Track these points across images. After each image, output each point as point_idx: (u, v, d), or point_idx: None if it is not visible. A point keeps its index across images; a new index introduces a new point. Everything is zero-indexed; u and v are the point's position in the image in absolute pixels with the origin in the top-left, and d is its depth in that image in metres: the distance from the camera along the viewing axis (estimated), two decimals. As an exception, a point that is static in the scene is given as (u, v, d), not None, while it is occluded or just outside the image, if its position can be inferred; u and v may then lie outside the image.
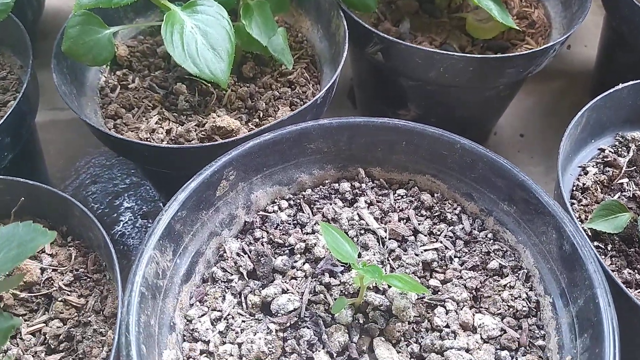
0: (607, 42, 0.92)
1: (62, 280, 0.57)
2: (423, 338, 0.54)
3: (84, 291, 0.57)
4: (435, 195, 0.64)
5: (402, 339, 0.54)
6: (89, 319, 0.55)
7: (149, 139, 0.69)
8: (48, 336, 0.54)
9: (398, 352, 0.53)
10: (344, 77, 1.00)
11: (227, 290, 0.57)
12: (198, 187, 0.56)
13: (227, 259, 0.59)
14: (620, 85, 0.66)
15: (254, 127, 0.71)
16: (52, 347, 0.54)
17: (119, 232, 0.85)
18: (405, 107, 0.83)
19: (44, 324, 0.55)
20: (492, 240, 0.60)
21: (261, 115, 0.73)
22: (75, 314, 0.56)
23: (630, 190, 0.66)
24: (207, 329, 0.54)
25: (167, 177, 0.75)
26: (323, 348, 0.53)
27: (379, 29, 0.82)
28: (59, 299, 0.56)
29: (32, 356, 0.54)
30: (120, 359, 0.46)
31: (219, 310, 0.56)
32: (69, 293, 0.57)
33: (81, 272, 0.58)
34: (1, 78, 0.76)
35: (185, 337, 0.54)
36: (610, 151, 0.69)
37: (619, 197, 0.65)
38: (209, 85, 0.75)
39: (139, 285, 0.50)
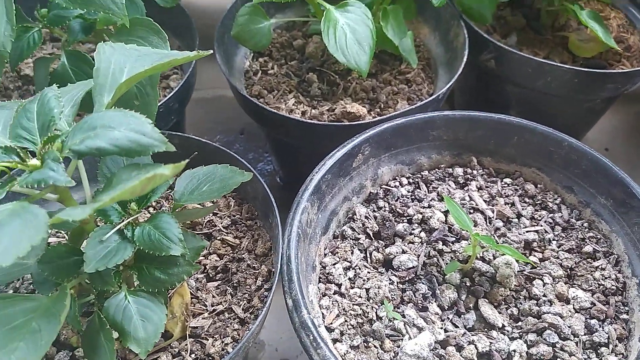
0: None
1: (222, 223, 0.69)
2: (521, 304, 0.63)
3: (238, 234, 0.69)
4: (539, 186, 0.73)
5: (503, 302, 0.63)
6: (243, 256, 0.66)
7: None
8: (208, 267, 0.66)
9: (499, 312, 0.63)
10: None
11: (355, 246, 0.68)
12: (342, 157, 0.67)
13: (357, 221, 0.70)
14: None
15: (375, 116, 0.82)
16: (211, 276, 0.66)
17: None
18: (506, 112, 0.92)
19: (204, 257, 0.67)
20: (587, 229, 0.69)
21: (382, 106, 0.84)
22: (231, 251, 0.67)
23: None
24: (339, 274, 0.65)
25: (294, 152, 0.87)
26: (435, 301, 0.63)
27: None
28: (218, 238, 0.68)
29: (194, 281, 0.65)
30: (282, 283, 0.57)
31: (348, 261, 0.66)
32: (226, 234, 0.68)
33: (237, 218, 0.69)
34: (162, 56, 0.89)
35: (320, 279, 0.65)
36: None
37: None
38: (337, 76, 0.86)
39: (296, 227, 0.61)
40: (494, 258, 0.66)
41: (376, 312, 0.61)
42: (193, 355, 0.58)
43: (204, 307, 0.62)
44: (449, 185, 0.73)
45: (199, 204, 0.65)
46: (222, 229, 0.68)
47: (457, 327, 0.60)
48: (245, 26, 0.76)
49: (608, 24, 0.95)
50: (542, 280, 0.64)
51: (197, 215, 0.62)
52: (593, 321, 0.61)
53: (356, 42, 0.72)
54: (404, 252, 0.67)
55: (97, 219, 0.56)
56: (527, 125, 0.70)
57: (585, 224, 0.69)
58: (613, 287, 0.63)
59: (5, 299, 0.45)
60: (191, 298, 0.63)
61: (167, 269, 0.52)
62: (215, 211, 0.70)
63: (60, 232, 0.68)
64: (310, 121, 0.75)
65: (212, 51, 0.52)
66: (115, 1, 0.61)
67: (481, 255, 0.66)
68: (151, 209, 0.70)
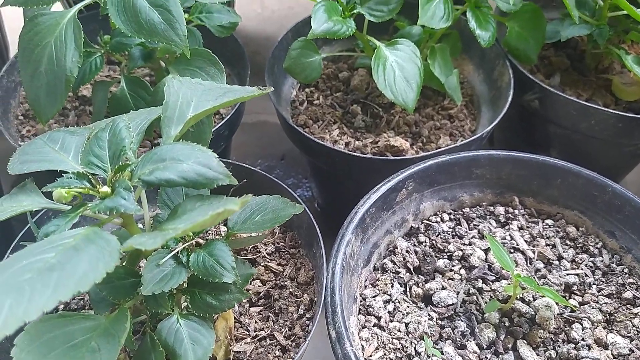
0: None
1: (266, 250, 0.71)
2: (560, 347, 0.63)
3: (282, 261, 0.70)
4: (580, 229, 0.73)
5: (542, 344, 0.64)
6: (285, 283, 0.68)
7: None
8: (251, 292, 0.68)
9: (537, 355, 0.63)
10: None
11: (395, 280, 0.69)
12: (387, 191, 0.69)
13: (397, 255, 0.71)
14: None
15: (418, 150, 0.84)
16: (253, 301, 0.68)
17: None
18: (547, 151, 0.93)
19: (248, 283, 0.69)
20: (628, 274, 0.69)
21: (424, 140, 0.85)
22: (274, 278, 0.69)
23: None
24: (379, 307, 0.66)
25: (335, 181, 0.88)
26: (474, 339, 0.64)
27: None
28: (262, 264, 0.70)
29: (238, 306, 0.67)
30: (326, 314, 0.59)
31: (388, 294, 0.67)
32: (270, 260, 0.70)
33: (281, 245, 0.71)
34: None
35: (360, 311, 0.66)
36: None
37: None
38: (380, 109, 0.88)
39: (340, 259, 0.62)
40: (534, 299, 0.66)
41: (415, 347, 0.62)
42: (236, 380, 0.59)
43: (247, 332, 0.64)
44: (490, 224, 0.74)
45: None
46: (266, 255, 0.70)
47: (496, 367, 0.61)
48: (297, 59, 0.78)
49: (652, 68, 0.96)
50: (581, 324, 0.65)
51: (247, 244, 0.64)
52: (632, 369, 0.61)
53: (404, 79, 0.74)
54: (443, 288, 0.67)
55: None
56: (571, 169, 0.71)
57: (626, 270, 0.69)
58: (653, 336, 0.63)
59: (65, 317, 0.48)
60: (234, 322, 0.64)
61: (218, 295, 0.54)
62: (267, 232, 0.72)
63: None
64: (354, 153, 0.77)
65: (273, 89, 0.54)
66: (178, 33, 0.65)
67: (521, 296, 0.67)
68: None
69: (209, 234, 0.72)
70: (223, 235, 0.68)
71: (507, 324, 0.65)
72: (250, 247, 0.71)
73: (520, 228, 0.74)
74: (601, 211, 0.71)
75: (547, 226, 0.74)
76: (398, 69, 0.75)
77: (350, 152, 0.78)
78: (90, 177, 0.48)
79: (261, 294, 0.68)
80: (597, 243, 0.72)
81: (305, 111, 0.89)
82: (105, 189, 0.46)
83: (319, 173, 0.92)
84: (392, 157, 0.77)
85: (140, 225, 0.54)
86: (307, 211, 0.68)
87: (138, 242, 0.40)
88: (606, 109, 0.80)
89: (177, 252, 0.53)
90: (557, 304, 0.65)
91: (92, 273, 0.38)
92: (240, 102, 0.82)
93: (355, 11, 0.77)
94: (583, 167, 0.71)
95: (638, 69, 0.83)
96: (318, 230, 0.66)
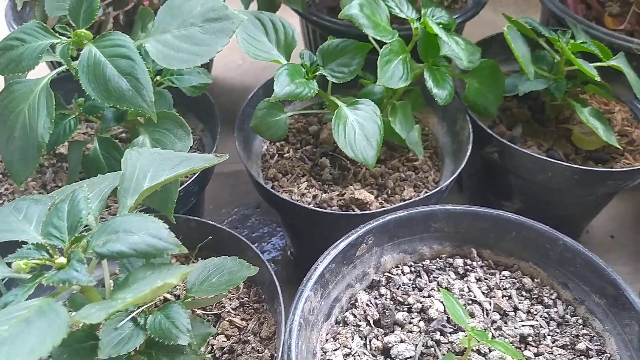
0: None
1: (231, 305, 0.73)
2: (515, 399, 0.65)
3: (245, 316, 0.73)
4: (535, 280, 0.75)
5: (498, 397, 0.66)
6: (249, 338, 0.70)
7: (299, 201, 0.85)
8: (215, 347, 0.70)
9: (493, 406, 0.65)
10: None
11: (355, 333, 0.71)
12: (346, 247, 0.71)
13: (358, 308, 0.73)
14: None
15: (383, 202, 0.86)
16: (217, 356, 0.69)
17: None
18: (510, 200, 0.96)
19: (212, 337, 0.71)
20: (582, 326, 0.71)
21: (389, 192, 0.88)
22: (238, 332, 0.71)
23: None
24: (339, 361, 0.68)
25: (304, 233, 0.91)
26: (431, 393, 0.65)
27: (495, 131, 0.96)
28: (226, 319, 0.72)
29: (202, 360, 0.69)
30: (282, 371, 0.61)
31: (349, 348, 0.69)
32: (234, 315, 0.72)
33: (245, 300, 0.74)
34: (186, 137, 0.96)
35: (321, 365, 0.68)
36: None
37: (700, 306, 0.74)
38: (348, 162, 0.92)
39: (298, 317, 0.64)
40: (490, 351, 0.68)
41: (372, 402, 0.64)
42: None
43: (210, 388, 0.65)
44: (449, 276, 0.76)
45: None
46: (230, 310, 0.73)
47: (449, 421, 0.63)
48: (263, 119, 0.82)
49: (612, 117, 0.99)
50: (536, 376, 0.67)
51: (205, 304, 0.67)
52: (584, 421, 0.63)
53: (364, 137, 0.78)
54: (402, 341, 0.69)
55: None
56: (524, 222, 0.73)
57: (580, 321, 0.71)
58: (605, 387, 0.65)
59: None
60: (198, 379, 0.66)
61: (174, 357, 0.56)
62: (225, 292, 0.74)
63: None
64: (317, 209, 0.80)
65: (227, 156, 0.57)
66: (145, 99, 0.68)
67: (477, 348, 0.69)
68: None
69: (174, 290, 0.74)
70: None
71: (463, 376, 0.67)
72: (216, 302, 0.74)
73: (478, 280, 0.76)
74: (554, 263, 0.73)
75: (504, 277, 0.76)
76: (358, 128, 0.78)
77: (312, 208, 0.80)
78: (48, 247, 0.51)
79: (225, 349, 0.70)
80: (551, 294, 0.74)
81: (275, 164, 0.92)
82: (62, 260, 0.49)
83: (289, 225, 0.95)
84: (353, 213, 0.79)
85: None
86: (268, 267, 0.70)
87: (84, 316, 0.42)
88: (561, 162, 0.83)
89: (136, 315, 0.56)
90: (510, 356, 0.67)
91: (39, 348, 0.40)
92: (207, 148, 0.85)
93: (317, 73, 0.81)
94: (536, 221, 0.73)
95: (594, 122, 0.87)
96: (278, 286, 0.68)
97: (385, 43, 0.79)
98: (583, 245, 1.04)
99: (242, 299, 0.74)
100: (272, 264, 1.02)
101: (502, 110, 1.00)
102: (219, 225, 0.75)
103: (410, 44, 0.84)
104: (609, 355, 0.68)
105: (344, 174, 0.91)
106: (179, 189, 0.80)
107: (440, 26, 0.83)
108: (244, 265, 0.61)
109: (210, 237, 0.75)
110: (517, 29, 0.92)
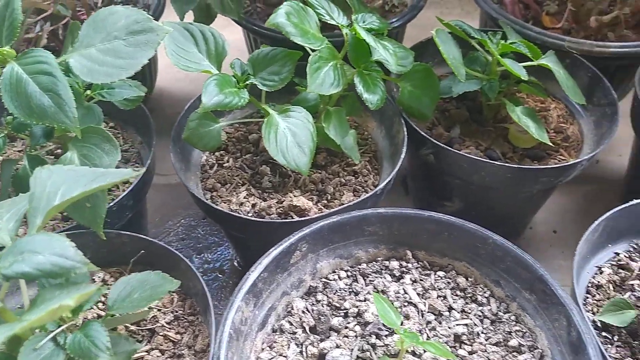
0: (635, 157, 1.04)
1: (165, 319, 0.72)
2: (449, 398, 0.65)
3: (180, 329, 0.72)
4: (469, 279, 0.76)
5: (432, 397, 0.66)
6: (183, 352, 0.70)
7: (237, 211, 0.85)
8: (150, 362, 0.69)
9: (428, 407, 0.65)
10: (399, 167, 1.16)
11: (291, 340, 0.71)
12: (278, 255, 0.71)
13: (294, 315, 0.73)
14: (635, 201, 0.78)
15: (322, 207, 0.87)
16: (152, 371, 0.69)
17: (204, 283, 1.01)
18: (450, 200, 0.97)
19: (147, 353, 0.70)
20: (514, 322, 0.72)
21: (329, 197, 0.88)
22: (172, 347, 0.71)
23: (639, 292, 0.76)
24: (274, 370, 0.68)
25: (246, 242, 0.91)
26: (366, 397, 0.66)
27: (433, 132, 0.97)
28: (160, 334, 0.71)
29: (136, 377, 0.68)
30: (211, 384, 0.60)
31: (284, 356, 0.69)
32: (169, 330, 0.72)
33: (179, 313, 0.73)
34: (124, 150, 0.95)
35: (256, 375, 0.68)
36: (624, 256, 0.80)
37: (629, 297, 0.76)
38: (288, 169, 0.92)
39: (228, 328, 0.64)
40: (424, 352, 0.69)
41: (306, 409, 0.64)
42: None
43: (142, 405, 0.65)
44: (385, 278, 0.77)
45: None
46: (164, 324, 0.72)
47: None
48: (195, 130, 0.82)
49: (548, 115, 1.01)
50: (469, 374, 0.67)
51: (129, 320, 0.66)
52: (515, 416, 0.63)
53: (297, 144, 0.78)
54: (337, 346, 0.69)
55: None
56: (454, 223, 0.74)
57: (513, 318, 0.72)
58: (536, 382, 0.66)
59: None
60: (130, 396, 0.65)
61: (95, 376, 0.55)
62: (158, 307, 0.73)
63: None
64: (252, 218, 0.79)
65: (145, 170, 0.57)
66: (67, 115, 0.67)
67: (412, 349, 0.69)
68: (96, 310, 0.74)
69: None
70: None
71: (399, 379, 0.67)
72: (150, 316, 0.73)
73: (414, 281, 0.77)
74: (486, 262, 0.74)
75: (439, 278, 0.77)
76: (290, 135, 0.78)
77: (247, 217, 0.80)
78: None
79: (160, 364, 0.69)
80: (485, 292, 0.75)
81: (215, 175, 0.91)
82: (-32, 282, 0.48)
83: (231, 235, 0.94)
84: (288, 221, 0.79)
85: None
86: (199, 279, 0.70)
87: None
88: (493, 162, 0.84)
89: (56, 335, 0.55)
90: (443, 356, 0.67)
91: None
92: (145, 162, 0.85)
93: (248, 82, 0.81)
94: (466, 221, 0.74)
95: (526, 120, 0.89)
96: (209, 298, 0.68)
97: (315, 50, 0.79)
98: (527, 242, 1.06)
99: (177, 312, 0.73)
100: (219, 274, 1.02)
101: (441, 112, 1.01)
102: (151, 239, 0.74)
103: (342, 51, 0.84)
104: (540, 350, 0.69)
105: (285, 181, 0.91)
106: (111, 204, 0.79)
107: (371, 31, 0.84)
108: (166, 279, 0.61)
109: (143, 251, 0.74)
110: (450, 31, 0.93)
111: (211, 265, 1.03)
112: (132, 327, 0.72)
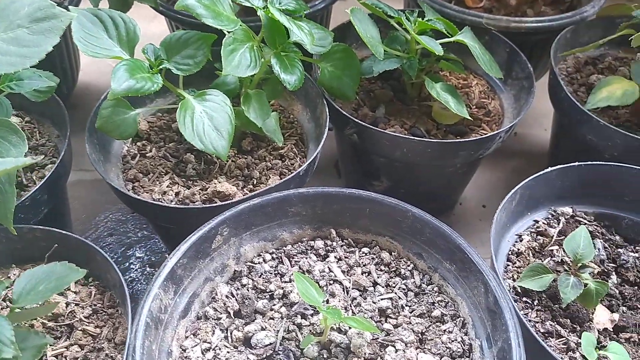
0: (556, 129, 1.07)
1: (83, 313, 0.70)
2: (375, 372, 0.66)
3: (99, 323, 0.70)
4: (393, 253, 0.77)
5: (358, 372, 0.66)
6: (103, 345, 0.67)
7: (160, 200, 0.83)
8: (68, 359, 0.67)
9: (354, 382, 0.65)
10: (332, 150, 1.16)
11: (216, 326, 0.70)
12: (197, 240, 0.70)
13: (218, 301, 0.72)
14: (549, 169, 0.80)
15: (248, 192, 0.85)
16: (71, 367, 0.67)
17: (130, 279, 0.98)
18: (379, 179, 0.97)
19: (66, 349, 0.68)
20: (437, 293, 0.73)
21: (255, 182, 0.87)
22: (92, 341, 0.68)
23: (559, 256, 0.78)
24: (197, 357, 0.66)
25: (173, 232, 0.89)
26: (292, 376, 0.65)
27: (359, 113, 0.97)
28: (79, 329, 0.69)
29: (55, 374, 0.66)
30: (127, 374, 0.59)
31: (208, 342, 0.68)
32: (88, 324, 0.69)
33: (98, 307, 0.71)
34: (41, 145, 0.91)
35: (179, 363, 0.66)
36: (543, 222, 0.82)
37: (548, 262, 0.78)
38: (213, 156, 0.90)
39: (144, 317, 0.62)
40: (350, 328, 0.69)
41: (230, 393, 0.63)
42: None
43: (59, 402, 0.62)
44: (310, 258, 0.77)
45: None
46: (83, 318, 0.70)
47: (305, 402, 0.63)
48: (109, 118, 0.79)
49: (470, 91, 1.03)
50: (394, 347, 0.68)
51: (38, 314, 0.64)
52: (440, 384, 0.64)
53: (214, 128, 0.77)
54: (263, 328, 0.69)
55: None
56: (375, 198, 0.74)
57: (435, 289, 0.73)
58: (459, 350, 0.67)
59: None
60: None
61: (-1, 373, 0.52)
62: (76, 301, 0.71)
63: None
64: (172, 206, 0.78)
65: (41, 158, 0.54)
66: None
67: (338, 326, 0.69)
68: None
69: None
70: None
71: (325, 356, 0.67)
72: (68, 311, 0.70)
73: (339, 259, 0.76)
74: (408, 235, 0.75)
75: (363, 254, 0.77)
76: (207, 119, 0.77)
77: (167, 205, 0.78)
78: None
79: (79, 359, 0.67)
80: (408, 265, 0.75)
81: (137, 165, 0.89)
82: None
83: (157, 226, 0.92)
84: (207, 206, 0.78)
85: None
86: (115, 270, 0.68)
87: None
88: (412, 138, 0.85)
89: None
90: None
91: None
92: (57, 167, 0.82)
93: (162, 66, 0.79)
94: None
95: (445, 96, 0.90)
96: (126, 289, 0.66)
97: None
98: (457, 217, 1.08)
99: (95, 305, 0.71)
100: (149, 267, 1.00)
101: (366, 92, 1.01)
102: (65, 232, 0.72)
103: (261, 33, 0.83)
104: (462, 318, 0.70)
105: (210, 168, 0.89)
106: (23, 198, 0.76)
107: (287, 13, 0.83)
108: (73, 269, 0.58)
109: (57, 245, 0.72)
110: (371, 11, 0.94)
111: (142, 258, 1.01)
112: (50, 324, 0.69)
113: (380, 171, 0.96)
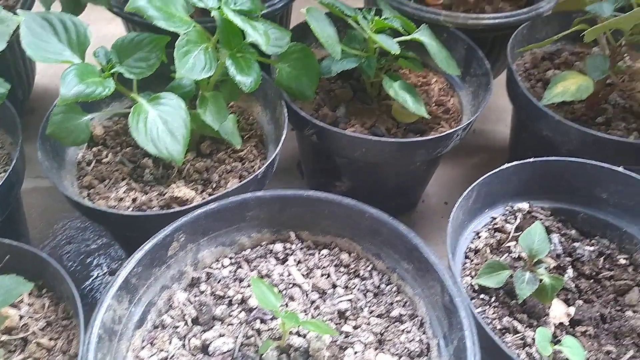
0: (515, 125, 1.08)
1: (37, 325, 0.68)
2: (335, 374, 0.66)
3: (54, 335, 0.68)
4: (352, 254, 0.77)
5: (318, 375, 0.66)
6: (57, 358, 0.66)
7: (116, 207, 0.82)
8: (22, 373, 0.65)
9: (314, 385, 0.65)
10: (295, 150, 1.15)
11: (173, 335, 0.69)
12: (152, 248, 0.69)
13: (175, 308, 0.71)
14: (505, 165, 0.81)
15: (207, 196, 0.84)
16: (25, 382, 0.65)
17: (89, 287, 0.96)
18: (340, 179, 0.97)
19: (19, 363, 0.67)
20: (396, 293, 0.73)
21: (214, 186, 0.86)
22: (46, 354, 0.67)
23: (516, 252, 0.79)
24: (154, 367, 0.65)
25: (132, 239, 0.87)
26: (251, 383, 0.65)
27: (319, 113, 0.97)
28: (33, 342, 0.67)
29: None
30: (79, 388, 0.58)
31: (165, 352, 0.67)
32: (42, 336, 0.68)
33: (52, 319, 0.69)
34: (-7, 153, 0.89)
35: (136, 374, 0.65)
36: (500, 219, 0.83)
37: (505, 258, 0.79)
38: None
39: (97, 329, 0.61)
40: (309, 331, 0.68)
41: (188, 402, 0.62)
42: None
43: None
44: (270, 262, 0.76)
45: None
46: (37, 331, 0.68)
47: (265, 408, 0.62)
48: (60, 124, 0.77)
49: (429, 89, 1.03)
50: (353, 349, 0.68)
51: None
52: (398, 385, 0.64)
53: (169, 132, 0.75)
54: (221, 335, 0.68)
55: None
56: (333, 200, 0.74)
57: (394, 289, 0.73)
58: (417, 350, 0.67)
59: None
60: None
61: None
62: (30, 313, 0.69)
63: None
64: (125, 213, 0.76)
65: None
66: None
67: (297, 330, 0.69)
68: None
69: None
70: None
71: (284, 361, 0.66)
72: (21, 325, 0.69)
73: (299, 262, 0.76)
74: (366, 235, 0.75)
75: (323, 256, 0.77)
76: (162, 123, 0.75)
77: (119, 212, 0.77)
78: None
79: (33, 374, 0.65)
80: (367, 266, 0.75)
81: (92, 171, 0.87)
82: None
83: (115, 234, 0.91)
84: (163, 212, 0.77)
85: None
86: (67, 282, 0.66)
87: None
88: (370, 137, 0.85)
89: None
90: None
91: None
92: (9, 175, 0.79)
93: (114, 70, 0.77)
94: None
95: (404, 94, 0.90)
96: (77, 299, 0.65)
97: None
98: (420, 215, 1.09)
99: (49, 317, 0.69)
100: (110, 275, 0.98)
101: (327, 92, 1.01)
102: (16, 244, 0.70)
103: (216, 34, 0.82)
104: (420, 318, 0.70)
105: (168, 172, 0.88)
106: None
107: (242, 13, 0.82)
108: (20, 282, 0.57)
109: (8, 256, 0.70)
110: (329, 9, 0.93)
111: (101, 267, 0.99)
112: (3, 338, 0.68)
113: (341, 171, 0.96)
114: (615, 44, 0.94)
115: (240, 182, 0.87)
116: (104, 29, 1.46)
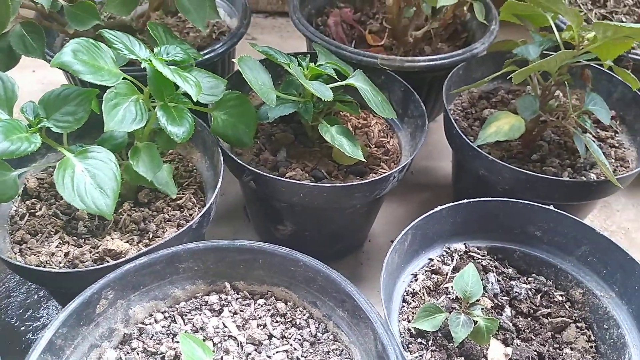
0: (454, 164, 1.10)
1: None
2: None
3: (-26, 403, 0.66)
4: (289, 303, 0.76)
5: None
6: None
7: (48, 262, 0.79)
8: None
9: None
10: (241, 195, 1.15)
11: (103, 396, 0.67)
12: (78, 307, 0.67)
13: (105, 368, 0.69)
14: (439, 207, 0.82)
15: (143, 248, 0.83)
16: None
17: (28, 342, 0.93)
18: (282, 223, 0.97)
19: None
20: (332, 341, 0.72)
21: (151, 236, 0.85)
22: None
23: (453, 293, 0.80)
24: None
25: (64, 295, 0.85)
26: None
27: (260, 157, 0.97)
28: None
29: None
30: None
31: (94, 414, 0.65)
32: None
33: (-27, 385, 0.66)
34: None
35: None
36: (437, 260, 0.83)
37: (443, 300, 0.79)
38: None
39: (17, 396, 0.59)
40: (243, 386, 0.67)
41: None
42: None
43: None
44: (205, 314, 0.75)
45: None
46: (-45, 400, 0.65)
47: None
48: (-14, 181, 0.76)
49: (369, 130, 1.04)
50: (289, 402, 0.66)
51: None
52: None
53: (97, 187, 0.74)
54: (152, 394, 0.66)
55: None
56: (266, 249, 0.74)
57: (331, 337, 0.73)
58: (353, 399, 0.66)
59: None
60: None
61: None
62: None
63: None
64: (53, 270, 0.75)
65: None
66: None
67: (231, 384, 0.67)
68: None
69: None
70: None
71: (218, 417, 0.65)
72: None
73: (234, 313, 0.75)
74: (302, 284, 0.74)
75: (259, 306, 0.76)
76: (90, 177, 0.74)
77: (43, 269, 0.75)
78: None
79: None
80: (304, 315, 0.75)
81: (25, 225, 0.85)
82: None
83: (48, 289, 0.88)
84: (90, 269, 0.75)
85: None
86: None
87: None
88: (307, 184, 0.85)
89: None
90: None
91: None
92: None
93: (41, 125, 0.76)
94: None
95: (339, 139, 0.90)
96: (-2, 365, 0.62)
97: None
98: (367, 255, 1.09)
99: (-30, 384, 0.66)
100: (48, 331, 0.95)
101: (267, 136, 1.01)
102: None
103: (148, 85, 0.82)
104: (355, 366, 0.70)
105: (105, 224, 0.86)
106: None
107: (173, 63, 0.82)
108: None
109: None
110: (265, 56, 0.94)
111: (38, 322, 0.96)
112: None
113: (282, 215, 0.95)
114: (545, 83, 0.97)
115: (178, 230, 0.86)
116: (50, 75, 1.45)
